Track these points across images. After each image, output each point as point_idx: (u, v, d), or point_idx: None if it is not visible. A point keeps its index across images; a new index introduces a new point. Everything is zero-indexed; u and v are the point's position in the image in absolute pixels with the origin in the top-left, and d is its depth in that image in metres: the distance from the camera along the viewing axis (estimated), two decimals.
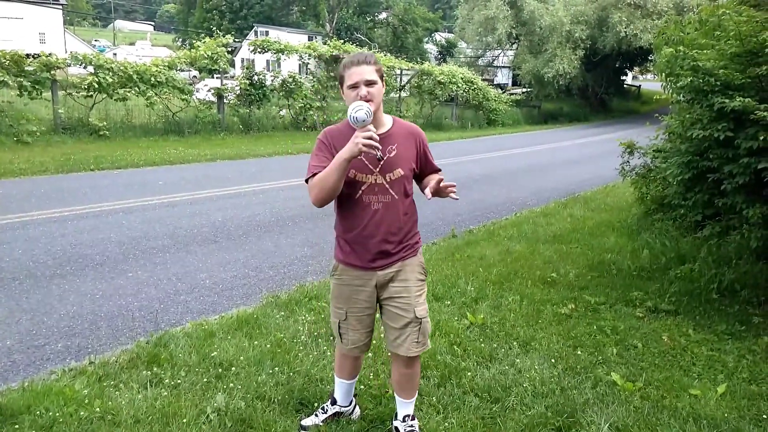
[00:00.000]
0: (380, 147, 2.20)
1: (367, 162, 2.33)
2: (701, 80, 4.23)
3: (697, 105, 4.52)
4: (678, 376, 3.36)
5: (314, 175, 2.31)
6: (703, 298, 4.47)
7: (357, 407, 2.88)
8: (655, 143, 6.73)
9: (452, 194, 2.35)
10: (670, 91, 5.02)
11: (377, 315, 2.61)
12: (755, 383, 3.30)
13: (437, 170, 2.55)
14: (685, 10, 21.87)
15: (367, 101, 2.22)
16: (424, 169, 2.52)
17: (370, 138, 2.15)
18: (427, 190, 2.34)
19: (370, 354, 3.47)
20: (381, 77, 2.34)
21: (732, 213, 4.69)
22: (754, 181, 4.02)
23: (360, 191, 2.38)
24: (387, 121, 2.44)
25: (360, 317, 2.54)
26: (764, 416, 2.95)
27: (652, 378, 3.33)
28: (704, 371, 3.45)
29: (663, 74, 4.99)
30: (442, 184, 2.33)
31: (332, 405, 2.81)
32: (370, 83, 2.28)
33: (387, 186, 2.38)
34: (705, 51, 4.41)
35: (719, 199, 4.56)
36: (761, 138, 3.77)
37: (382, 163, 2.34)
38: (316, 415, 2.79)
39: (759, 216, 4.05)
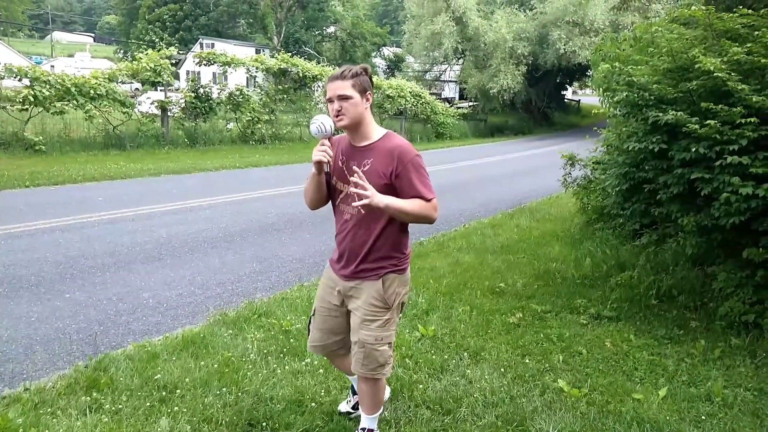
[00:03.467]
0: (328, 162, 2.33)
1: (346, 171, 2.40)
2: (636, 95, 4.41)
3: (632, 118, 4.72)
4: (621, 381, 3.46)
5: None
6: (643, 304, 4.64)
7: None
8: (595, 155, 6.98)
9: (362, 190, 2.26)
10: (608, 105, 5.23)
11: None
12: (694, 386, 3.43)
13: (421, 197, 2.35)
14: (620, 27, 22.86)
15: (339, 116, 2.32)
16: (404, 191, 2.34)
17: (324, 153, 2.27)
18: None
19: (321, 370, 3.42)
20: (362, 91, 2.35)
21: (668, 221, 4.90)
22: (687, 191, 4.21)
23: (338, 199, 2.50)
24: (376, 134, 2.42)
25: (325, 317, 2.63)
26: (703, 417, 3.07)
27: (597, 383, 3.41)
28: (646, 375, 3.57)
29: (600, 89, 5.19)
30: (356, 182, 2.28)
31: (353, 394, 2.98)
32: (343, 98, 2.31)
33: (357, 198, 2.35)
34: (639, 67, 4.61)
35: (655, 208, 4.76)
36: (693, 149, 3.96)
37: (327, 173, 2.46)
38: (347, 402, 3.00)
39: (693, 224, 4.24)
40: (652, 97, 4.36)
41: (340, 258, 2.53)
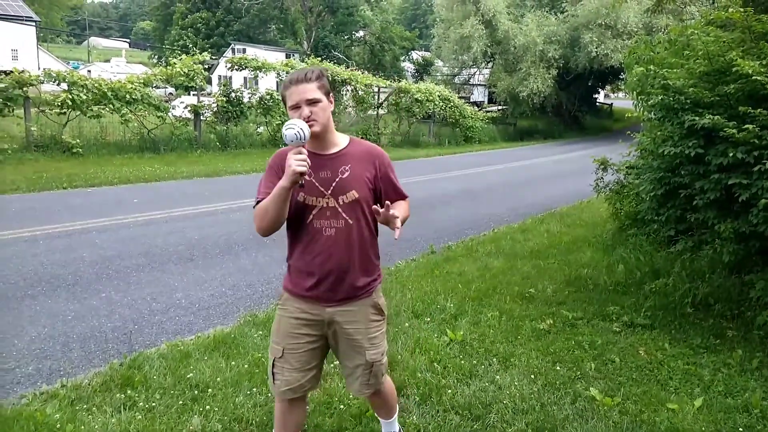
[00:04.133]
0: (305, 172, 1.99)
1: (317, 183, 2.13)
2: (671, 98, 4.33)
3: (667, 122, 4.63)
4: (655, 391, 3.39)
5: (258, 202, 2.12)
6: (678, 312, 4.54)
7: None
8: (628, 160, 6.86)
9: (396, 230, 2.08)
10: (642, 109, 5.14)
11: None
12: (731, 396, 3.34)
13: (404, 197, 2.33)
14: (654, 30, 22.46)
15: (310, 122, 2.04)
16: (388, 193, 2.26)
17: (303, 160, 1.96)
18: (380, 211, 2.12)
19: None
20: (327, 93, 2.13)
21: (704, 228, 4.79)
22: (724, 197, 4.12)
23: (311, 216, 2.15)
24: (341, 140, 2.23)
25: (300, 354, 2.24)
26: (740, 429, 2.99)
27: (630, 393, 3.35)
28: (681, 385, 3.49)
29: (634, 92, 5.12)
30: (390, 213, 2.06)
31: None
32: (312, 102, 2.07)
33: (340, 210, 2.15)
34: (675, 70, 4.53)
35: (691, 214, 4.66)
36: (731, 154, 3.87)
37: (331, 186, 2.14)
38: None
39: (730, 231, 4.14)
40: (688, 101, 4.28)
41: (319, 282, 2.18)
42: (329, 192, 2.14)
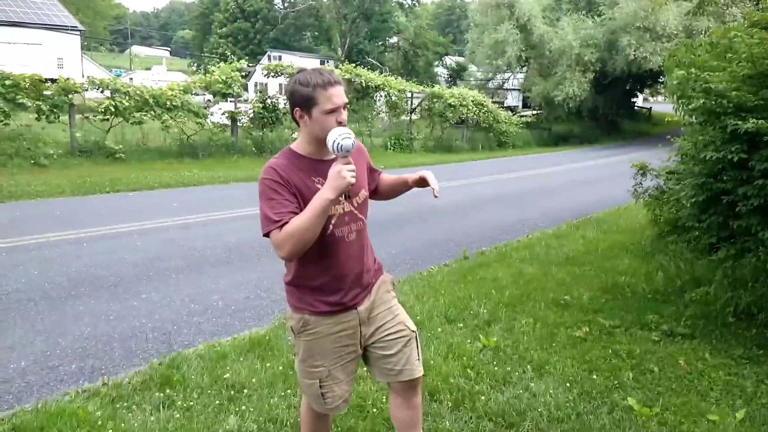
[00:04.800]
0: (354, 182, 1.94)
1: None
2: (713, 102, 4.24)
3: (709, 127, 4.53)
4: (695, 401, 3.30)
5: (282, 224, 1.91)
6: (720, 322, 4.41)
7: None
8: (668, 165, 6.71)
9: (435, 190, 2.15)
10: (682, 113, 5.03)
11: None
12: None
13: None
14: (694, 33, 21.94)
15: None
16: (376, 179, 2.35)
17: (353, 170, 1.88)
18: (411, 182, 2.26)
19: None
20: None
21: (747, 235, 4.65)
22: None
23: (330, 225, 2.02)
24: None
25: (344, 366, 2.17)
26: None
27: (669, 403, 3.27)
28: (722, 396, 3.39)
29: (674, 96, 5.00)
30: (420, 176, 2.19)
31: None
32: (345, 106, 1.98)
33: (356, 212, 2.11)
34: (717, 73, 4.42)
35: (734, 221, 4.54)
36: None
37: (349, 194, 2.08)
38: None
39: None
40: (731, 105, 4.18)
41: (348, 290, 2.11)
42: (343, 197, 2.05)
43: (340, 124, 1.93)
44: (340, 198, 2.00)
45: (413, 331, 2.26)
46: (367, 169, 2.26)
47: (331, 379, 2.14)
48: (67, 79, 13.08)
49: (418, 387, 2.30)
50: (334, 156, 1.95)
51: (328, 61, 42.84)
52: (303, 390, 2.25)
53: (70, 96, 12.89)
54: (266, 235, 1.96)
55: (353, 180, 1.87)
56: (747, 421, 3.09)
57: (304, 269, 2.09)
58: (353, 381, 2.26)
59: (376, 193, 2.36)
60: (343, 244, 2.07)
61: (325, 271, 2.07)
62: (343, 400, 2.20)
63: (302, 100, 1.95)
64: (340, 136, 1.85)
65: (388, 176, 2.42)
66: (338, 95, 1.93)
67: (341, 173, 1.85)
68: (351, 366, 2.20)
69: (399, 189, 2.37)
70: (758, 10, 6.49)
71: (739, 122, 3.98)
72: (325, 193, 1.86)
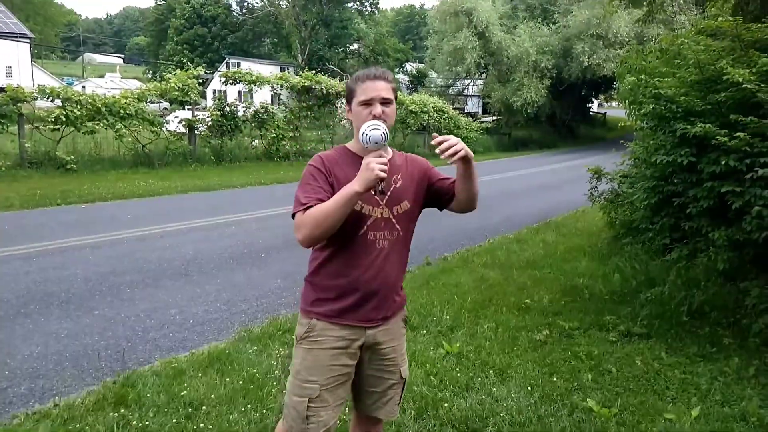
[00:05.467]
0: (385, 178, 1.83)
1: (373, 192, 1.95)
2: (663, 107, 4.36)
3: (660, 131, 4.65)
4: (653, 401, 3.37)
5: (307, 207, 1.89)
6: (674, 321, 4.52)
7: None
8: (622, 169, 6.89)
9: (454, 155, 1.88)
10: (634, 118, 5.17)
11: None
12: (728, 405, 3.33)
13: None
14: (645, 39, 22.64)
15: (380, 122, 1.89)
16: (443, 188, 2.15)
17: (385, 164, 1.80)
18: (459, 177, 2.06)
19: None
20: (395, 98, 2.01)
21: (698, 236, 4.79)
22: (718, 205, 4.13)
23: (365, 226, 1.97)
24: (389, 149, 2.08)
25: (336, 389, 2.02)
26: None
27: (628, 403, 3.33)
28: (678, 394, 3.47)
29: (627, 102, 5.14)
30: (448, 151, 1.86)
31: None
32: (385, 101, 1.94)
33: (394, 221, 2.02)
34: (666, 79, 4.55)
35: (685, 222, 4.67)
36: (723, 162, 3.88)
37: (385, 196, 2.00)
38: None
39: (724, 238, 4.15)
40: (680, 110, 4.30)
41: (363, 301, 1.99)
42: (384, 201, 1.99)
43: (375, 118, 1.89)
44: (380, 201, 1.98)
45: (403, 378, 2.16)
46: (428, 182, 2.12)
47: (320, 401, 1.99)
48: (16, 87, 12.62)
49: (381, 424, 2.26)
50: (387, 158, 1.92)
51: (288, 68, 42.56)
52: (286, 409, 2.05)
53: (19, 105, 12.44)
54: (293, 216, 1.93)
55: (382, 174, 1.78)
56: (702, 418, 3.17)
57: (327, 265, 2.02)
58: (341, 410, 2.08)
59: (453, 200, 2.15)
60: (374, 250, 1.98)
61: (348, 273, 1.98)
62: (325, 429, 2.01)
63: (347, 94, 2.01)
64: (368, 127, 1.82)
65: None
66: (374, 89, 1.93)
67: (369, 165, 1.78)
68: (341, 391, 2.05)
69: (461, 182, 2.10)
70: (704, 19, 6.74)
71: (688, 126, 4.10)
72: (352, 185, 1.82)
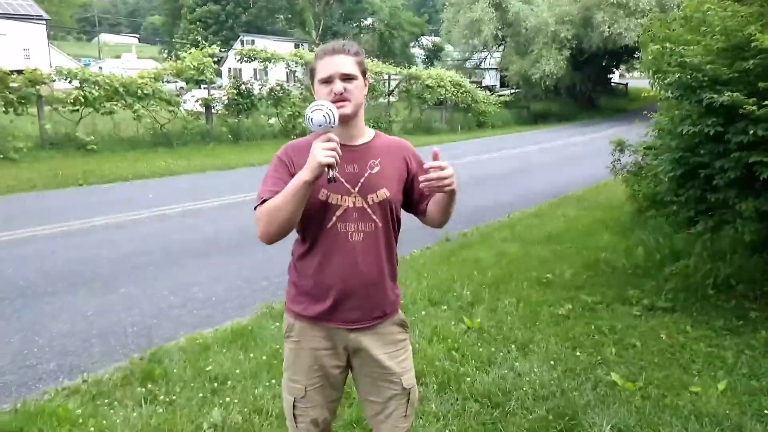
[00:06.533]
0: (337, 164, 1.61)
1: (343, 179, 1.76)
2: (689, 76, 4.23)
3: (685, 101, 4.53)
4: (678, 374, 3.34)
5: (263, 201, 1.74)
6: (700, 294, 4.47)
7: None
8: (645, 140, 6.75)
9: (441, 186, 1.71)
10: (658, 87, 5.03)
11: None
12: (755, 378, 3.29)
13: None
14: (667, 8, 22.04)
15: (342, 101, 1.72)
16: (422, 197, 1.89)
17: (333, 150, 1.60)
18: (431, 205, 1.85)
19: None
20: (363, 73, 1.79)
21: (725, 208, 4.69)
22: (745, 175, 4.02)
23: (333, 217, 1.78)
24: (368, 132, 1.89)
25: (324, 388, 1.90)
26: (766, 411, 2.93)
27: (652, 377, 3.31)
28: (704, 368, 3.44)
29: (650, 71, 5.00)
30: (431, 178, 1.68)
31: None
32: (347, 78, 1.73)
33: (369, 211, 1.80)
34: (691, 47, 4.41)
35: (711, 194, 4.56)
36: (751, 132, 3.77)
37: (358, 183, 1.80)
38: None
39: (752, 210, 4.06)
40: (706, 78, 4.18)
41: (340, 301, 1.81)
42: (356, 189, 1.79)
43: (337, 95, 1.71)
44: (351, 189, 1.78)
45: (405, 389, 1.91)
46: (410, 173, 1.88)
47: (306, 401, 1.89)
48: (34, 69, 12.71)
49: None
50: (361, 142, 1.82)
51: (302, 45, 42.26)
52: (283, 405, 1.99)
53: (37, 87, 12.54)
54: (255, 209, 1.79)
55: (327, 160, 1.58)
56: (728, 391, 3.14)
57: (301, 262, 1.88)
58: (334, 405, 1.97)
59: (426, 213, 1.91)
60: (345, 244, 1.79)
61: (320, 270, 1.82)
62: (315, 428, 1.93)
63: (309, 72, 1.84)
64: (311, 109, 1.61)
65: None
66: (333, 64, 1.73)
67: (314, 151, 1.60)
68: (330, 390, 1.92)
69: (437, 208, 1.86)
70: None
71: (715, 95, 3.98)
72: (300, 174, 1.64)
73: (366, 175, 1.80)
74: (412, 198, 1.90)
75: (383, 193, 1.81)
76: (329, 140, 1.61)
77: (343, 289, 1.80)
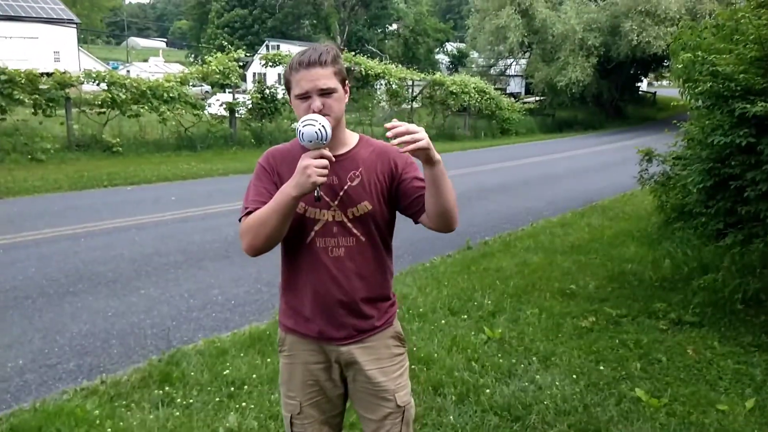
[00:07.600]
0: (323, 182, 1.55)
1: (322, 193, 1.66)
2: (721, 85, 4.14)
3: (717, 111, 4.43)
4: (704, 391, 3.24)
5: (249, 213, 1.68)
6: (728, 309, 4.34)
7: None
8: (675, 150, 6.60)
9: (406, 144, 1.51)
10: (688, 97, 4.93)
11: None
12: None
13: None
14: (698, 16, 21.69)
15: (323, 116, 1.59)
16: (415, 190, 1.74)
17: (325, 167, 1.53)
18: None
19: None
20: (343, 81, 1.68)
21: (755, 221, 4.56)
22: None
23: (312, 233, 1.72)
24: (351, 139, 1.78)
25: (321, 403, 1.85)
26: None
27: (678, 393, 3.21)
28: (731, 385, 3.33)
29: (680, 80, 4.91)
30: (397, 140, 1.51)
31: None
32: (325, 92, 1.63)
33: (350, 225, 1.72)
34: (723, 56, 4.32)
35: (742, 206, 4.44)
36: None
37: (337, 197, 1.72)
38: None
39: None
40: (739, 88, 4.08)
41: (323, 317, 1.76)
42: (336, 203, 1.71)
43: (315, 112, 1.60)
44: (330, 202, 1.70)
45: (400, 407, 1.83)
46: (396, 184, 1.76)
47: (303, 417, 1.84)
48: (63, 72, 12.96)
49: None
50: (342, 152, 1.72)
51: None
52: (283, 419, 1.94)
53: (66, 90, 12.76)
54: (240, 220, 1.74)
55: (320, 179, 1.52)
56: (757, 410, 3.04)
57: (284, 277, 1.84)
58: (335, 420, 1.91)
59: (424, 212, 1.75)
60: (326, 260, 1.72)
61: (303, 286, 1.77)
62: None
63: (285, 84, 1.72)
64: (302, 123, 1.55)
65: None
66: (309, 78, 1.61)
67: (306, 169, 1.52)
68: (329, 404, 1.87)
69: (428, 190, 1.69)
70: None
71: (747, 105, 3.88)
72: (287, 189, 1.57)
73: (345, 187, 1.72)
74: (407, 197, 1.76)
75: (364, 206, 1.73)
76: (322, 156, 1.54)
77: (325, 306, 1.75)
